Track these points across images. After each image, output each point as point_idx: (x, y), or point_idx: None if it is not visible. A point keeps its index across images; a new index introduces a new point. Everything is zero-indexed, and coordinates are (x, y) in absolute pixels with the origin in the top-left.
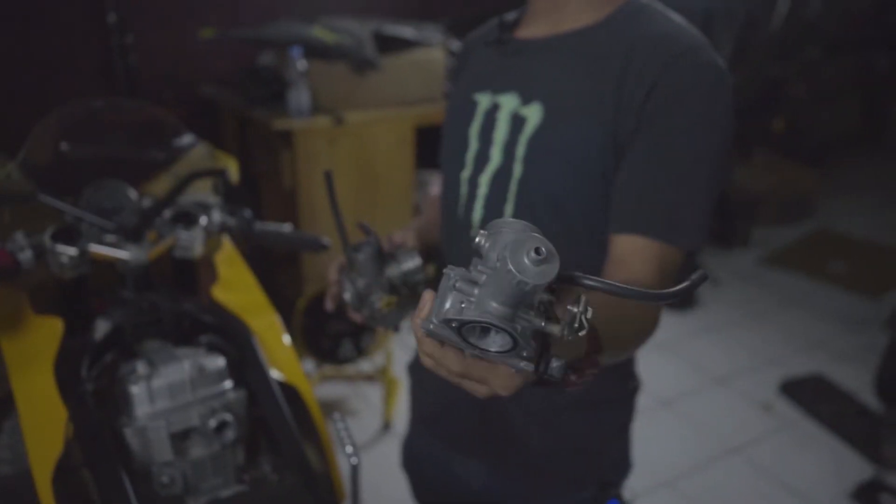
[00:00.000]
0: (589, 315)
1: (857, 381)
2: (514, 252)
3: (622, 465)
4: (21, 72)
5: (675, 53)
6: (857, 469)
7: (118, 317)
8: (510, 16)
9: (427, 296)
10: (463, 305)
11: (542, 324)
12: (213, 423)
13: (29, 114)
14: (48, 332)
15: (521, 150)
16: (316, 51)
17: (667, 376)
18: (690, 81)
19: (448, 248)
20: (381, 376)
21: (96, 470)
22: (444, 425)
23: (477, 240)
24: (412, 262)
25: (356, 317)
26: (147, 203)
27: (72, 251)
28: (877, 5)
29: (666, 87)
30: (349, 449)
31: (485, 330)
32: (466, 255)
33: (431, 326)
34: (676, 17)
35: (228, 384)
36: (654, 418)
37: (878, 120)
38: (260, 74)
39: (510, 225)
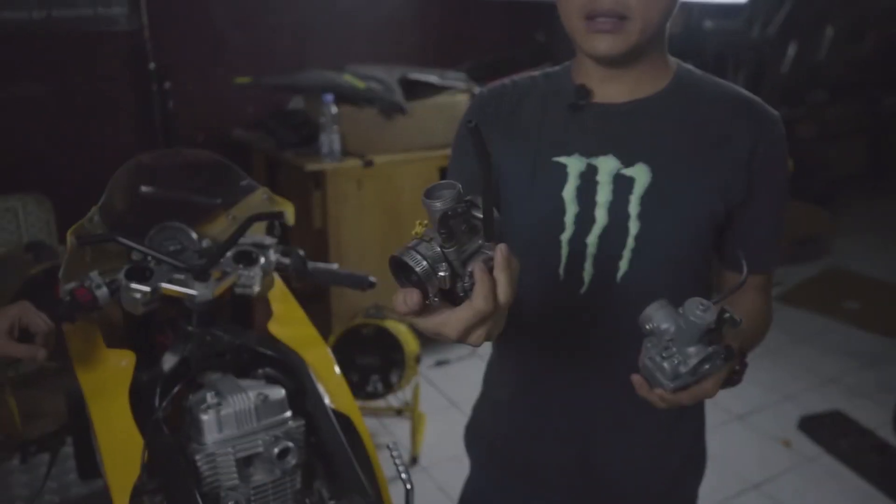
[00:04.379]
0: (727, 315)
1: (875, 417)
2: (690, 312)
3: (701, 467)
4: (63, 117)
5: (760, 112)
6: None
7: (185, 350)
8: (551, 71)
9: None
10: (675, 362)
11: (713, 346)
12: (276, 449)
13: (71, 158)
14: (122, 364)
15: (633, 209)
16: (346, 96)
17: None
18: (778, 137)
19: (541, 303)
20: (409, 411)
21: (172, 493)
22: (530, 469)
23: (647, 327)
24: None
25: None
26: (206, 244)
27: (145, 289)
28: (880, 50)
29: (766, 147)
30: (404, 475)
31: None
32: (573, 309)
33: (673, 385)
34: (717, 78)
35: (289, 413)
36: None
37: (885, 160)
38: (291, 119)
39: (656, 308)
